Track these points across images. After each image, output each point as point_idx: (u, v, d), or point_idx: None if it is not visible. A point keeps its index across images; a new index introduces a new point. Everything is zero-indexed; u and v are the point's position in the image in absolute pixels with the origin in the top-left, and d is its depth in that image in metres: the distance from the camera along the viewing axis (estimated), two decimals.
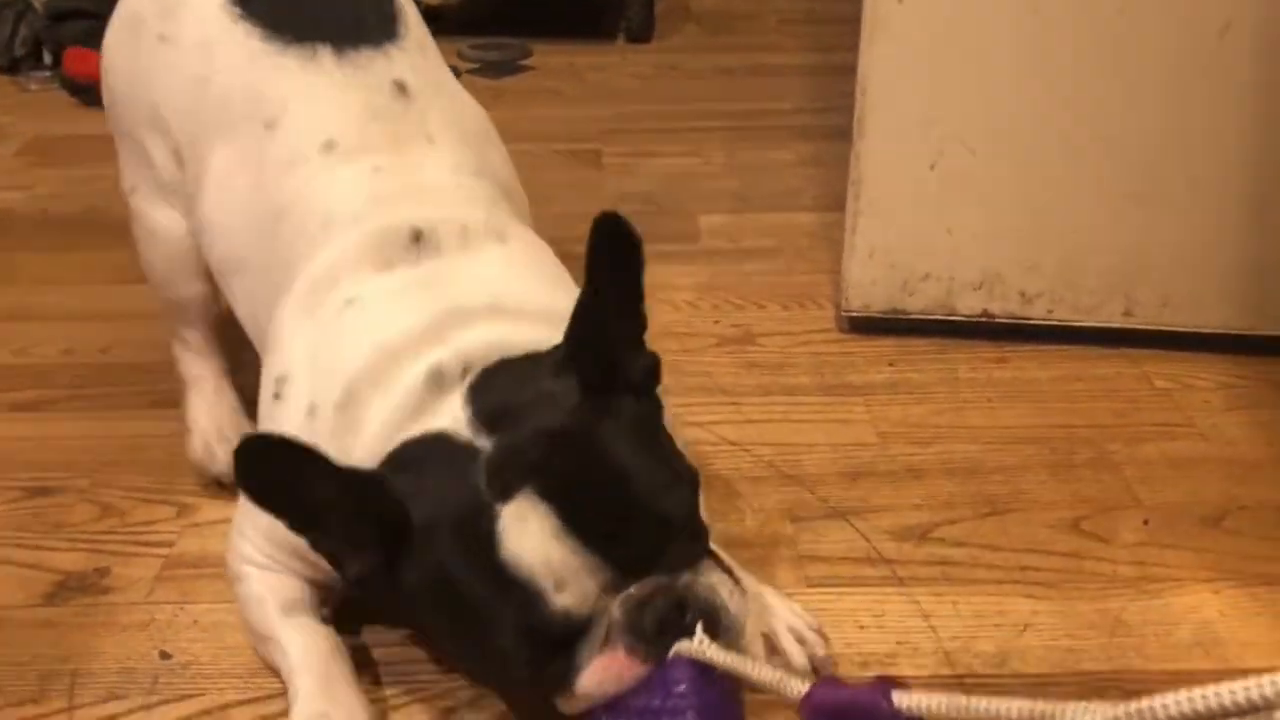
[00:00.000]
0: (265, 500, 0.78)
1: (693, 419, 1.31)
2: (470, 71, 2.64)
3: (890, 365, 1.44)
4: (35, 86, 2.50)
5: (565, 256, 1.03)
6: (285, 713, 0.93)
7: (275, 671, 0.94)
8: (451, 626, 0.81)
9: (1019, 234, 1.44)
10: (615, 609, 0.76)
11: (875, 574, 1.08)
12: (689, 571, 0.79)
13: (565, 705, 0.79)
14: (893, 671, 0.97)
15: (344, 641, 0.96)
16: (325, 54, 1.04)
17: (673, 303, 1.56)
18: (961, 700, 0.64)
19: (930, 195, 1.43)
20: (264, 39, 1.05)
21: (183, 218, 1.15)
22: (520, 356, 0.85)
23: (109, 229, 1.20)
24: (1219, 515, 1.17)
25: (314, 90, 1.03)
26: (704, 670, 0.75)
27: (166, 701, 0.94)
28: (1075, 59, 1.35)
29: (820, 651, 0.97)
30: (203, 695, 0.95)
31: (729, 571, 0.83)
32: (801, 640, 0.97)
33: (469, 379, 0.84)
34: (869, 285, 1.48)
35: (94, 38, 1.47)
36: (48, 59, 2.55)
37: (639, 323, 0.84)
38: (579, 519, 0.76)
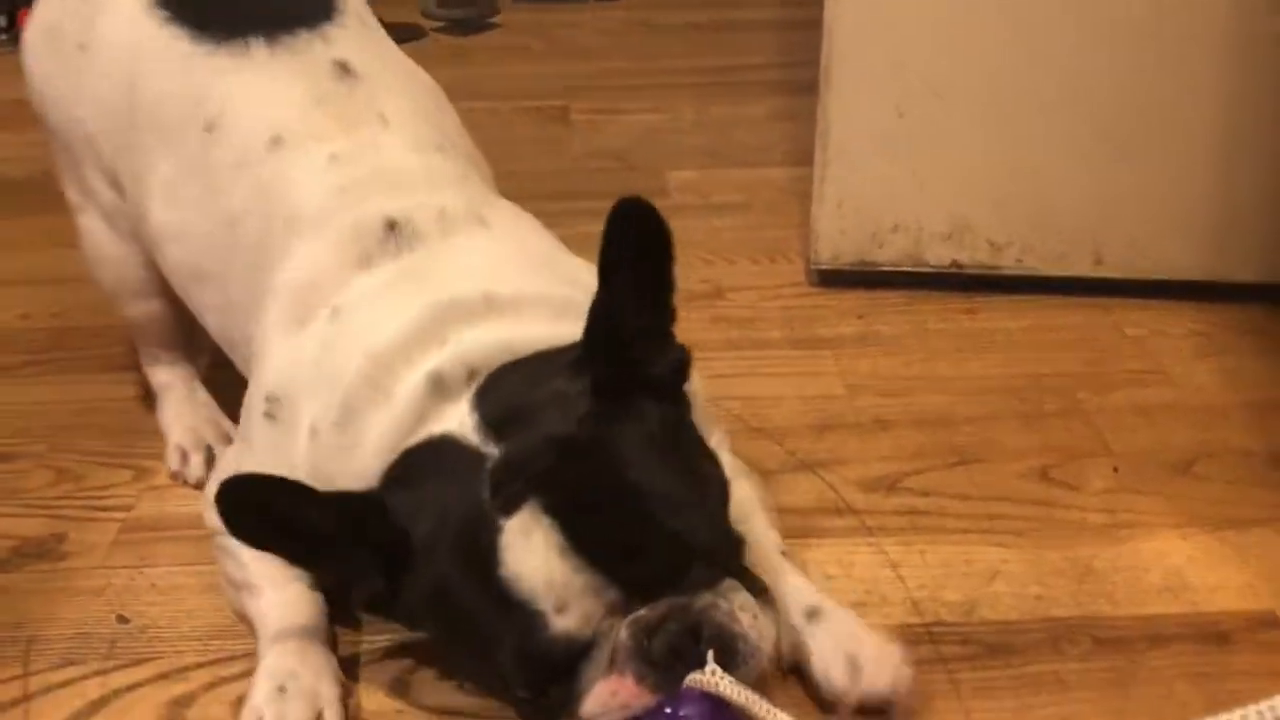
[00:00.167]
0: (260, 542, 0.76)
1: None
2: (437, 30, 2.60)
3: (859, 318, 1.43)
4: None
5: (535, 216, 1.01)
6: (245, 675, 0.91)
7: (247, 624, 0.92)
8: (452, 644, 0.80)
9: (988, 183, 1.43)
10: (623, 632, 0.72)
11: (843, 524, 1.07)
12: (708, 593, 0.74)
13: None
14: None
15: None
16: (258, 46, 0.99)
17: None
18: None
19: (899, 144, 1.42)
20: (193, 40, 1.00)
21: (126, 240, 1.11)
22: (531, 356, 0.81)
23: (63, 193, 1.17)
24: (1188, 461, 1.16)
25: (251, 86, 0.98)
26: (716, 704, 0.71)
27: (123, 666, 0.93)
28: (1044, 6, 1.33)
29: (906, 677, 0.84)
30: (160, 659, 0.93)
31: (761, 589, 0.78)
32: (891, 669, 0.84)
33: (475, 383, 0.80)
34: (838, 236, 1.47)
35: None
36: (2, 20, 2.50)
37: (665, 316, 0.79)
38: (586, 536, 0.71)
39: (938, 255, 1.46)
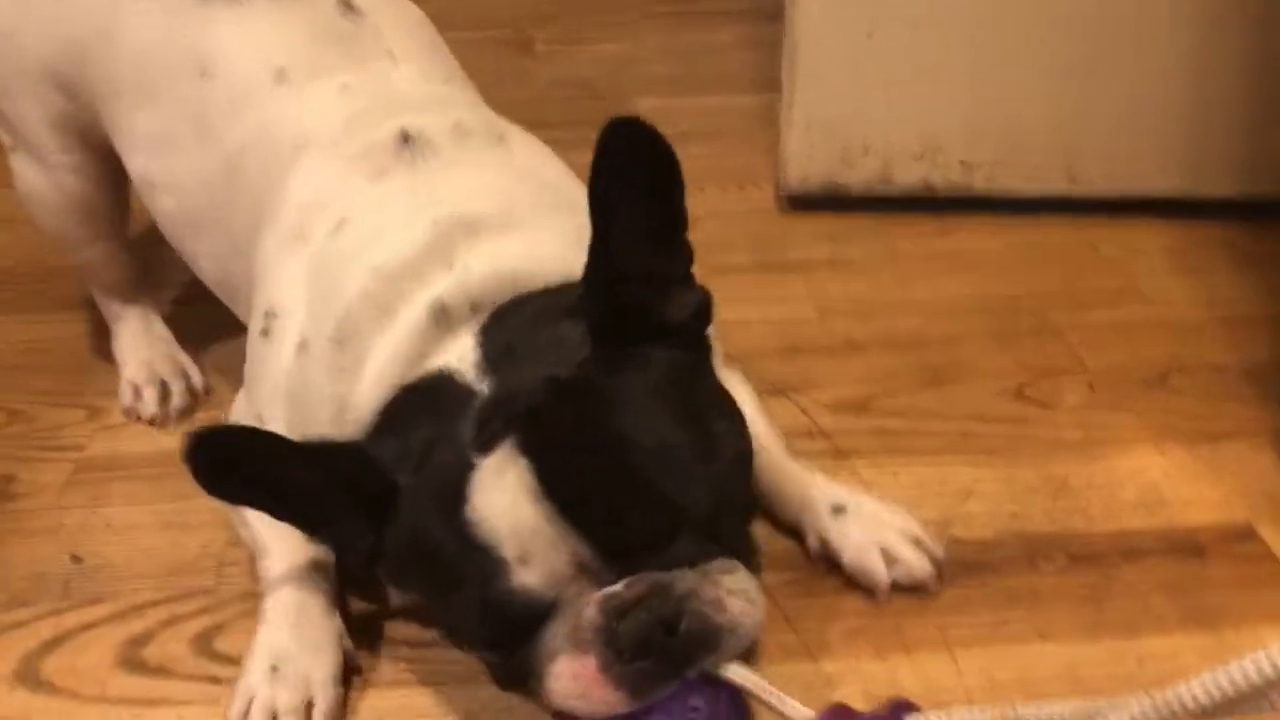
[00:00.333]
0: (237, 498, 0.71)
1: None
2: None
3: (830, 241, 1.40)
4: None
5: None
6: (203, 611, 0.89)
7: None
8: (427, 597, 0.75)
9: (959, 102, 1.39)
10: (591, 606, 0.65)
11: (815, 447, 1.05)
12: (693, 574, 0.66)
13: (541, 704, 0.70)
14: None
15: None
16: None
17: None
18: (972, 711, 0.59)
19: (868, 64, 1.38)
20: None
21: (65, 187, 1.06)
22: (539, 292, 0.75)
23: None
24: (1163, 377, 1.15)
25: (250, 28, 0.92)
26: (725, 693, 0.66)
27: (78, 605, 0.90)
28: None
29: (938, 552, 0.89)
30: (115, 598, 0.91)
31: (758, 562, 0.72)
32: (919, 543, 0.89)
33: (481, 317, 0.74)
34: (807, 158, 1.43)
35: None
36: None
37: (680, 254, 0.72)
38: (562, 482, 0.64)
39: (908, 176, 1.43)
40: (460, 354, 0.73)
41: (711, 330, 0.78)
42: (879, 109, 1.40)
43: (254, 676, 0.80)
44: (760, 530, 0.92)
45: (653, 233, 0.69)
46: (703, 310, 0.75)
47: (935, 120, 1.40)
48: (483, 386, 0.70)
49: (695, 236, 1.44)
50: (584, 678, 0.65)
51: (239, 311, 0.98)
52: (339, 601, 0.86)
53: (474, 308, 0.75)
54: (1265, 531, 0.95)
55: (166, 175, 0.96)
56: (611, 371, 0.69)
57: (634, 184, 0.65)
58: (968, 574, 0.91)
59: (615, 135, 0.63)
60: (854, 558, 0.89)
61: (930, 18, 1.35)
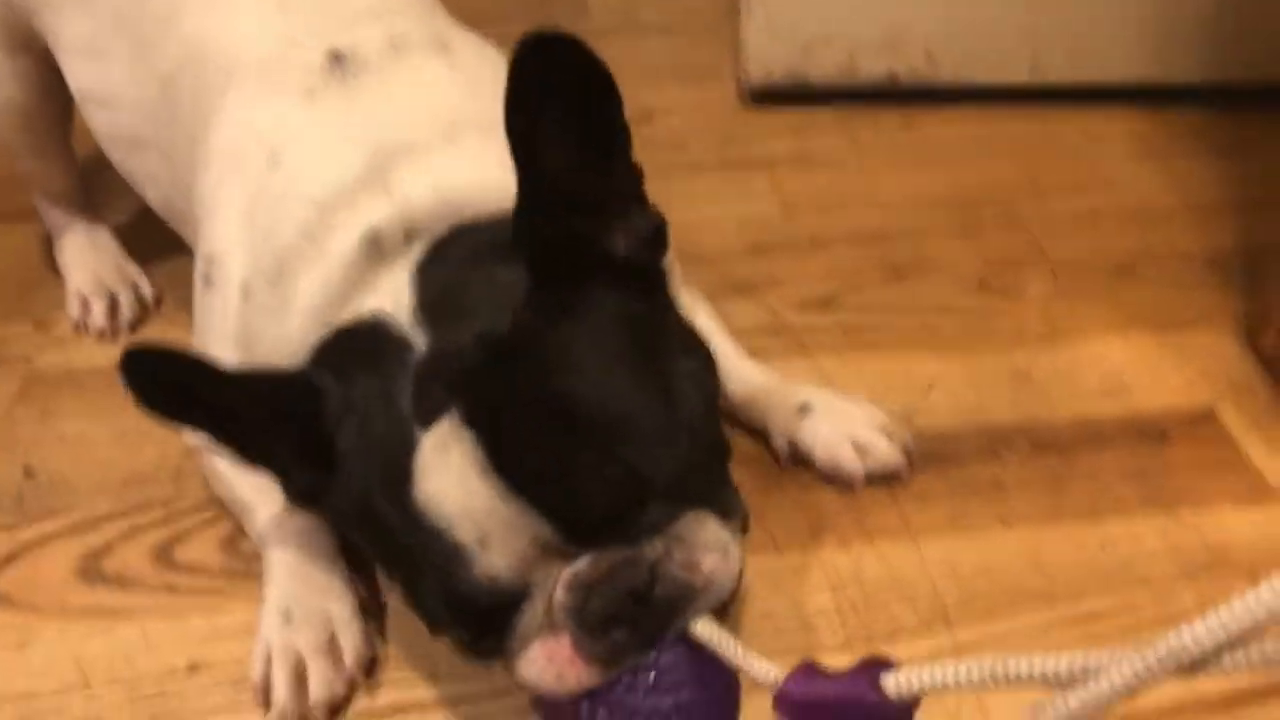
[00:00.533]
0: (161, 414, 0.64)
1: None
2: None
3: (793, 136, 1.38)
4: None
5: None
6: (162, 522, 0.88)
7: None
8: (382, 565, 0.70)
9: None
10: (559, 588, 0.60)
11: (779, 344, 1.04)
12: (662, 540, 0.61)
13: (519, 682, 0.66)
14: None
15: None
16: None
17: None
18: (955, 669, 0.53)
19: None
20: None
21: (4, 86, 1.02)
22: (481, 224, 0.68)
23: None
24: (1127, 265, 1.14)
25: None
26: (700, 658, 0.61)
27: (34, 519, 0.89)
28: None
29: (907, 439, 0.90)
30: (72, 510, 0.89)
31: (741, 511, 0.67)
32: (887, 433, 0.89)
33: (417, 250, 0.68)
34: (769, 51, 1.40)
35: None
36: None
37: (623, 176, 0.65)
38: (512, 457, 0.59)
39: (872, 68, 1.40)
40: (395, 296, 0.67)
41: (669, 256, 0.71)
42: None
43: (267, 629, 0.76)
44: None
45: (587, 156, 0.62)
46: (656, 237, 0.68)
47: (899, 10, 1.36)
48: (418, 339, 0.64)
49: (655, 134, 1.42)
50: (558, 659, 0.61)
51: (188, 237, 0.95)
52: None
53: (409, 236, 0.69)
54: (1226, 415, 0.96)
55: (101, 86, 0.92)
56: (553, 321, 0.62)
57: (558, 106, 0.59)
58: (930, 465, 0.91)
59: (528, 56, 0.57)
60: (825, 454, 0.89)
61: None
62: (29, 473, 0.93)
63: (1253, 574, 0.81)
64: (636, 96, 1.61)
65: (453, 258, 0.68)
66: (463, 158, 0.72)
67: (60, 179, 1.12)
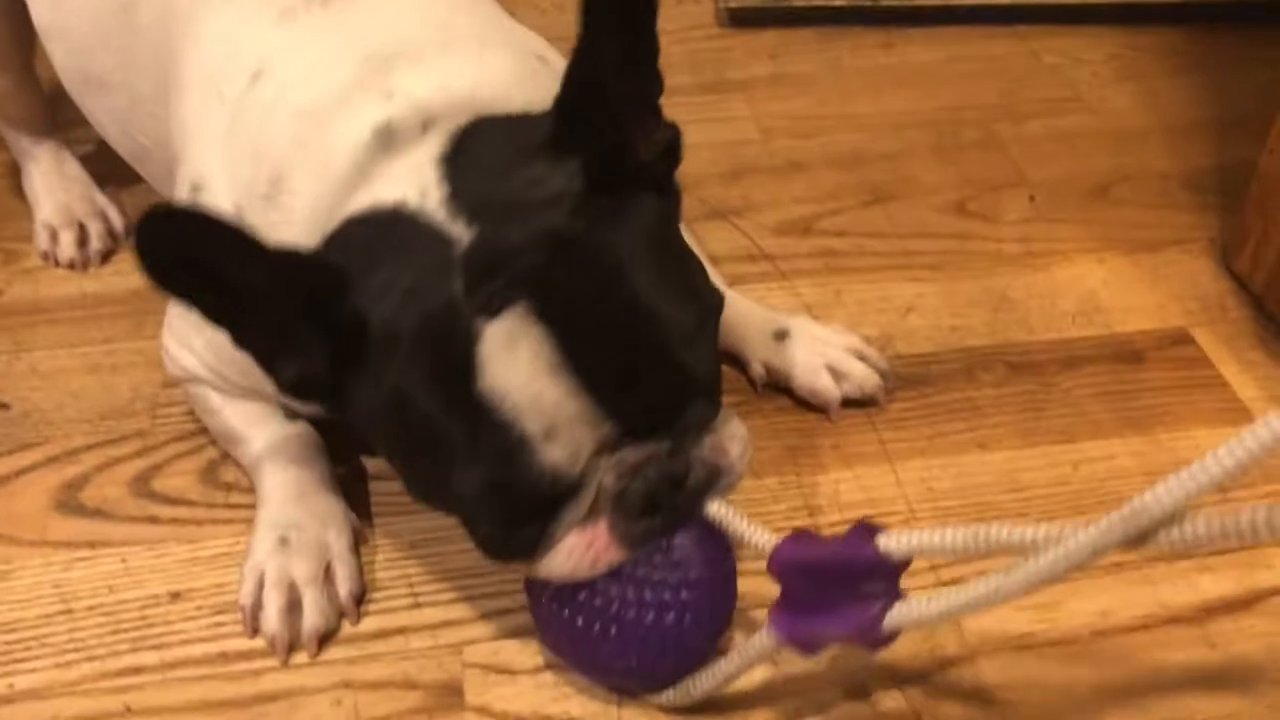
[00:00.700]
0: (170, 285, 0.59)
1: None
2: None
3: (772, 58, 1.36)
4: None
5: None
6: (138, 454, 0.88)
7: (243, 470, 0.84)
8: (408, 465, 0.67)
9: None
10: (610, 476, 0.62)
11: (756, 270, 1.04)
12: (701, 431, 0.65)
13: (526, 570, 0.67)
14: None
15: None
16: None
17: (538, 6, 1.44)
18: (944, 534, 0.57)
19: None
20: None
21: None
22: (500, 119, 0.66)
23: None
24: (1104, 187, 1.14)
25: None
26: (707, 541, 0.65)
27: (8, 452, 0.88)
28: None
29: (884, 364, 0.90)
30: (48, 443, 0.89)
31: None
32: (864, 358, 0.90)
33: (439, 139, 0.65)
34: None
35: None
36: None
37: (653, 84, 0.65)
38: (583, 355, 0.59)
39: None
40: (419, 186, 0.63)
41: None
42: None
43: (261, 553, 0.75)
44: None
45: (630, 55, 0.62)
46: (674, 148, 0.67)
47: None
48: (457, 230, 0.61)
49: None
50: (596, 544, 0.64)
51: (149, 176, 0.93)
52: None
53: (425, 125, 0.66)
54: (1200, 336, 0.96)
55: (58, 18, 0.89)
56: (609, 225, 0.62)
57: (616, 12, 0.60)
58: (907, 388, 0.91)
59: None
60: (803, 379, 0.89)
61: None
62: (3, 405, 0.92)
63: (1224, 491, 0.82)
64: None
65: (480, 151, 0.65)
66: (465, 62, 0.70)
67: (25, 103, 1.09)
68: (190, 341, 0.82)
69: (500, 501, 0.62)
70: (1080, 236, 1.07)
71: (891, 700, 0.70)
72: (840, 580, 0.60)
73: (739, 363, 0.92)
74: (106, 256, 1.07)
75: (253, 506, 0.81)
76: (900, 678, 0.71)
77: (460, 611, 0.76)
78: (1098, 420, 0.89)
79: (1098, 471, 0.84)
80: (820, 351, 0.89)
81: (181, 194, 0.77)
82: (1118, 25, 1.38)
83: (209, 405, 0.84)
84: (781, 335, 0.90)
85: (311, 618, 0.74)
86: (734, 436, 0.67)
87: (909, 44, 1.37)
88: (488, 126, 0.66)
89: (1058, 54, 1.35)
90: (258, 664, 0.73)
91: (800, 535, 0.63)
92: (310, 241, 0.65)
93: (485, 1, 0.81)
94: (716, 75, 1.34)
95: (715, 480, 0.65)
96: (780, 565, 0.62)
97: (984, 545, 0.55)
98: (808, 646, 0.62)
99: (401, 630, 0.75)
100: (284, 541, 0.76)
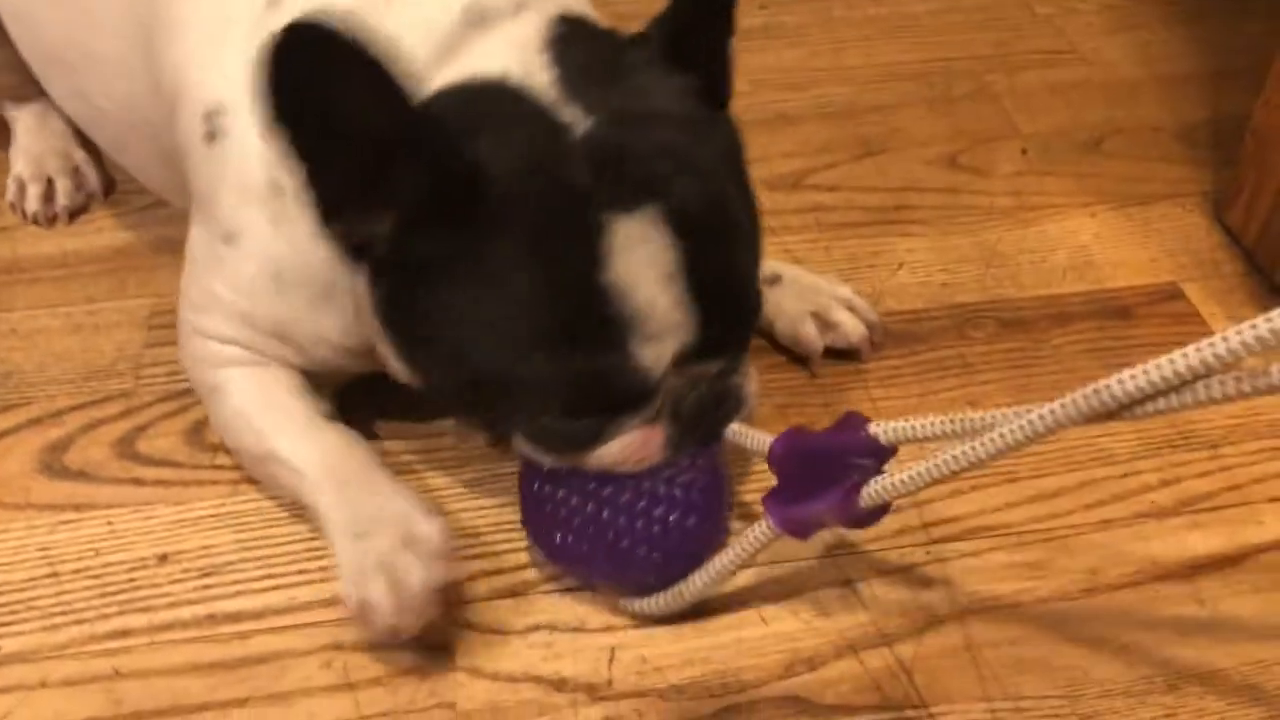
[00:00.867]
0: (293, 116, 0.54)
1: None
2: None
3: (762, 9, 1.34)
4: None
5: None
6: (123, 415, 0.87)
7: (291, 499, 0.76)
8: (471, 337, 0.62)
9: None
10: (680, 383, 0.66)
11: None
12: (739, 359, 0.70)
13: (549, 460, 0.68)
14: None
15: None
16: None
17: None
18: (929, 422, 0.61)
19: None
20: None
21: None
22: (582, 20, 0.66)
23: None
24: (1097, 139, 1.13)
25: None
26: (713, 462, 0.70)
27: None
28: None
29: (873, 316, 0.89)
30: (30, 404, 0.88)
31: None
32: (853, 309, 0.89)
33: (535, 20, 0.63)
34: None
35: None
36: None
37: (731, 26, 0.67)
38: (694, 267, 0.60)
39: None
40: (522, 62, 0.61)
41: None
42: None
43: (346, 558, 0.68)
44: None
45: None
46: (729, 83, 0.69)
47: None
48: (573, 117, 0.60)
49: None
50: (651, 444, 0.67)
51: (103, 141, 0.91)
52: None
53: (519, 6, 0.64)
54: (1191, 291, 0.96)
55: None
56: (716, 146, 0.65)
57: None
58: (898, 345, 0.91)
59: None
60: (786, 327, 0.88)
61: None
62: None
63: (1215, 449, 0.82)
64: None
65: (580, 43, 0.64)
66: None
67: (5, 70, 1.06)
68: (214, 289, 0.74)
69: (581, 391, 0.62)
70: (1072, 190, 1.06)
71: (880, 658, 0.70)
72: (830, 465, 0.63)
73: None
74: (76, 214, 1.05)
75: (238, 468, 0.80)
76: (890, 636, 0.71)
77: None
78: (1089, 376, 0.86)
79: (1089, 428, 0.84)
80: (808, 300, 0.89)
81: (195, 129, 0.72)
82: None
83: (243, 416, 0.76)
84: (773, 281, 0.90)
85: (416, 583, 0.66)
86: (749, 373, 0.71)
87: None
88: (577, 24, 0.66)
89: (1051, 4, 1.33)
90: (246, 626, 0.73)
91: (797, 428, 0.67)
92: None
93: None
94: None
95: (740, 406, 0.70)
96: (781, 452, 0.66)
97: (963, 429, 0.59)
98: (799, 531, 0.65)
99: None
100: (359, 535, 0.68)
